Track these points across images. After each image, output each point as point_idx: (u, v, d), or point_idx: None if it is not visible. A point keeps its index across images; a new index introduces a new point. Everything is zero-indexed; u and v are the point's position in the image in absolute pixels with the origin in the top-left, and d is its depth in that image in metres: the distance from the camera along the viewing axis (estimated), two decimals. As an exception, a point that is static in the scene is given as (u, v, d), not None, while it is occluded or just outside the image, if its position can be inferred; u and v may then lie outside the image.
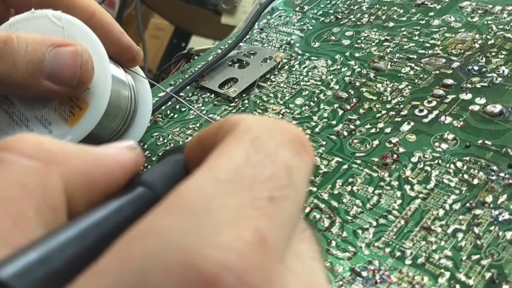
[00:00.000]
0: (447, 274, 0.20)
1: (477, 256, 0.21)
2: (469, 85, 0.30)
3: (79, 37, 0.25)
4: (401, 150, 0.27)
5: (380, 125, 0.29)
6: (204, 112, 0.35)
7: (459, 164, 0.25)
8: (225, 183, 0.10)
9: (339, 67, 0.35)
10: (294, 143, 0.12)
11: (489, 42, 0.32)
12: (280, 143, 0.11)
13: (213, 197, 0.10)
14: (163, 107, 0.36)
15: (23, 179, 0.11)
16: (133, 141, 0.14)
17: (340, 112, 0.31)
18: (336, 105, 0.32)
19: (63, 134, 0.25)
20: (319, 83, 0.34)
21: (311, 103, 0.33)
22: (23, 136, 0.12)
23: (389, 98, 0.31)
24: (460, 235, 0.22)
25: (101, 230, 0.11)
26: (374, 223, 0.24)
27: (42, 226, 0.11)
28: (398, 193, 0.25)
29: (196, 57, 0.43)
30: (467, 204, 0.23)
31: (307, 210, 0.25)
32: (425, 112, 0.29)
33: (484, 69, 0.30)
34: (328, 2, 0.43)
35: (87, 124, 0.25)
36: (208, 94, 0.37)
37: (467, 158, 0.25)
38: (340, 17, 0.41)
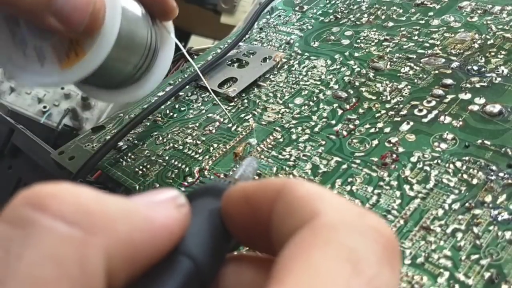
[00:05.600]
0: (446, 273, 0.20)
1: (476, 256, 0.21)
2: (468, 85, 0.30)
3: None
4: (401, 149, 0.27)
5: (380, 124, 0.29)
6: (204, 111, 0.35)
7: (458, 164, 0.25)
8: None
9: (338, 66, 0.35)
10: (389, 255, 0.10)
11: (489, 42, 0.32)
12: (378, 259, 0.10)
13: None
14: (162, 107, 0.36)
15: (59, 253, 0.09)
16: (178, 193, 0.12)
17: (340, 111, 0.31)
18: (335, 105, 0.32)
19: (50, 73, 0.24)
20: (318, 82, 0.34)
21: (311, 102, 0.33)
22: (62, 190, 0.10)
23: (389, 98, 0.31)
24: (459, 235, 0.22)
25: None
26: (374, 223, 0.24)
27: None
28: (398, 193, 0.25)
29: (195, 57, 0.43)
30: (467, 204, 0.23)
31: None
32: (425, 112, 0.29)
33: (483, 69, 0.30)
34: (327, 1, 0.43)
35: (76, 73, 0.23)
36: (208, 93, 0.37)
37: (467, 158, 0.25)
38: (339, 16, 0.41)
